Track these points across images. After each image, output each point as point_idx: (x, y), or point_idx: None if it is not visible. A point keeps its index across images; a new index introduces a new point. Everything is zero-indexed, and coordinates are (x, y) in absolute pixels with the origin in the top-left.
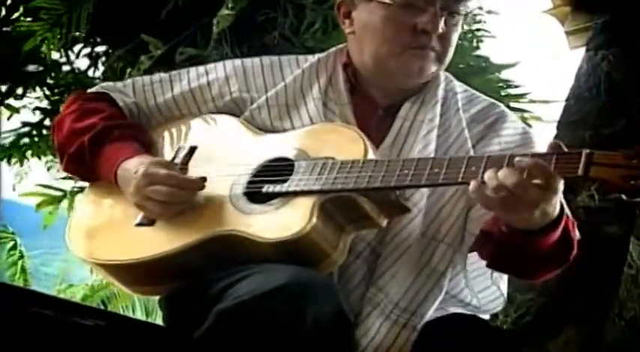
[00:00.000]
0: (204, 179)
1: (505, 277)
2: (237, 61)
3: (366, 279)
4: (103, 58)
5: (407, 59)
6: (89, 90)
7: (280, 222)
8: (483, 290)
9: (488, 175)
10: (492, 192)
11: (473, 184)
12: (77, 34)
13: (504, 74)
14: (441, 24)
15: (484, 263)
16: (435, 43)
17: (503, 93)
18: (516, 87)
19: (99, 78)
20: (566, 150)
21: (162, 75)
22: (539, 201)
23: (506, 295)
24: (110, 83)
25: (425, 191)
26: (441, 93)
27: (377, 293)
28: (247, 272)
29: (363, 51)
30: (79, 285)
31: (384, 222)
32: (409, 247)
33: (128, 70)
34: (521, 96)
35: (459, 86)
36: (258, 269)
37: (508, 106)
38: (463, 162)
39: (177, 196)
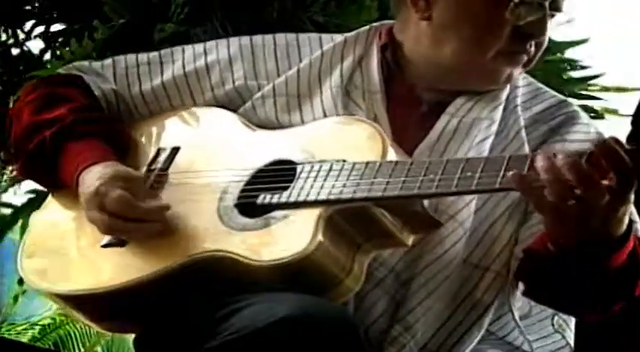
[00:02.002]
0: (164, 208)
1: (573, 322)
2: (245, 39)
3: (388, 312)
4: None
5: (498, 64)
6: (58, 72)
7: (278, 240)
8: (542, 338)
9: (542, 164)
10: (548, 189)
11: (514, 174)
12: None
13: (569, 53)
14: (549, 27)
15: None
16: (532, 46)
17: (565, 77)
18: (582, 68)
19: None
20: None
21: (152, 54)
22: (609, 208)
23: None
24: (85, 63)
25: (472, 206)
26: (506, 92)
27: (403, 332)
28: (242, 303)
29: (441, 45)
30: (22, 324)
31: (410, 240)
32: (448, 276)
33: (72, 41)
34: (588, 79)
35: (522, 78)
36: (256, 299)
37: (574, 94)
38: (503, 163)
39: (128, 229)
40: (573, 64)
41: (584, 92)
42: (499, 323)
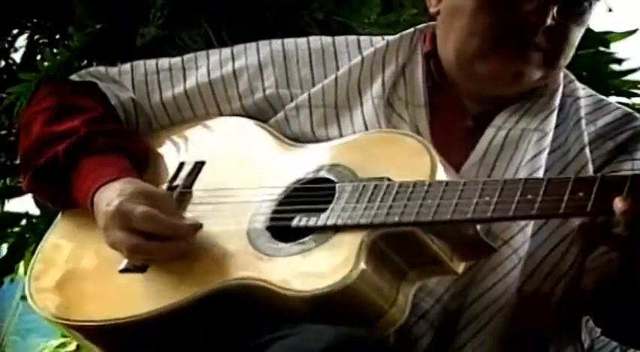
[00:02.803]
0: (197, 226)
1: None
2: (276, 44)
3: (434, 347)
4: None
5: (498, 61)
6: (72, 78)
7: (317, 268)
8: None
9: (618, 205)
10: (624, 229)
11: (580, 224)
12: None
13: (614, 47)
14: (552, 13)
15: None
16: (542, 39)
17: (608, 71)
18: (617, 61)
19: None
20: None
21: (174, 60)
22: None
23: None
24: (101, 68)
25: (529, 230)
26: (557, 100)
27: None
28: (276, 335)
29: (447, 40)
30: None
31: (460, 268)
32: (502, 308)
33: (46, 51)
34: (630, 72)
35: (582, 89)
36: (291, 331)
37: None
38: (567, 187)
39: (151, 249)
40: (610, 57)
41: (633, 90)
42: None
